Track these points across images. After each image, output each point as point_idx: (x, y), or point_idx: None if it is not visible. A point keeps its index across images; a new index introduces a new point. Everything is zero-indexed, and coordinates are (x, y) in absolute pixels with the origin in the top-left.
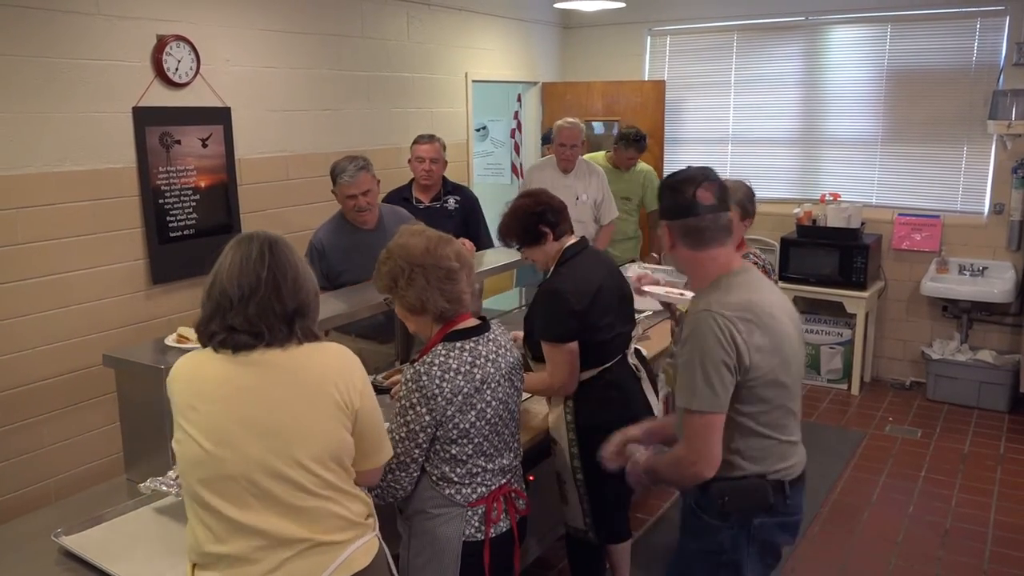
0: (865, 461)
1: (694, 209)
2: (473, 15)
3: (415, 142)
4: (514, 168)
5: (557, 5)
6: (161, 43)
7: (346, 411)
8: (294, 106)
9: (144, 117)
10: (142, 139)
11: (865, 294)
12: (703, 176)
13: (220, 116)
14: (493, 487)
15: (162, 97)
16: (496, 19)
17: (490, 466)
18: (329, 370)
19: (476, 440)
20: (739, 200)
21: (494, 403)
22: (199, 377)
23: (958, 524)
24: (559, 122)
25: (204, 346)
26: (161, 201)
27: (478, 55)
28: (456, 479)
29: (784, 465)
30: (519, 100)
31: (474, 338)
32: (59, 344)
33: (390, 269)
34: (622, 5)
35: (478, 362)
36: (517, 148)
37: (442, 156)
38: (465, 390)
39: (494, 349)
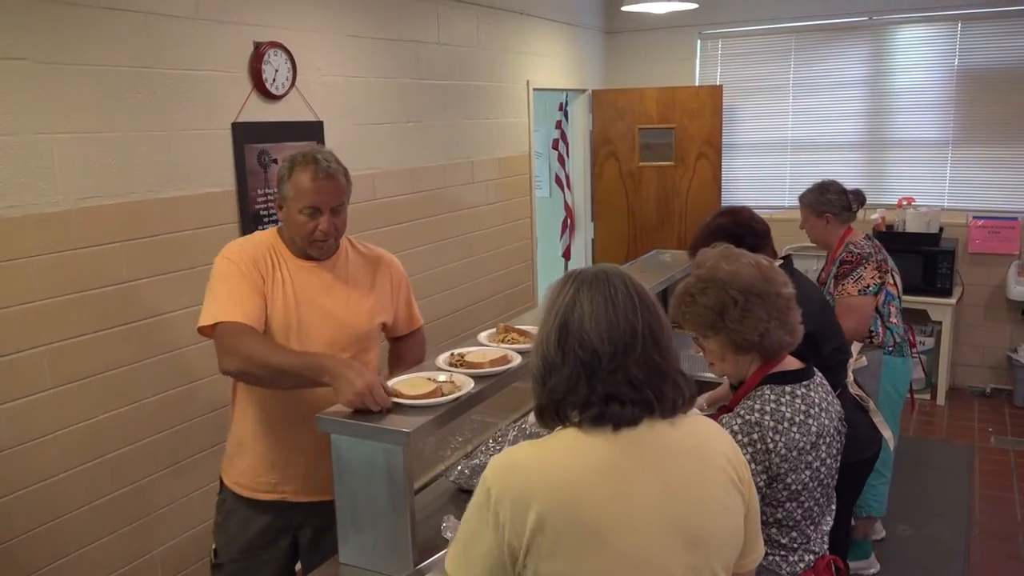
0: (989, 477)
1: None
2: (532, 19)
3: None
4: (558, 180)
5: (626, 8)
6: (259, 51)
7: (741, 491)
8: (379, 119)
9: (243, 134)
10: (241, 158)
11: (951, 301)
12: None
13: (314, 131)
14: (819, 555)
15: (259, 111)
16: (550, 23)
17: (815, 534)
18: (711, 436)
19: (807, 504)
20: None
21: (828, 460)
22: (581, 484)
23: None
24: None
25: (552, 426)
26: (259, 227)
27: (536, 61)
28: (785, 542)
29: None
30: (561, 108)
31: (804, 382)
32: (165, 394)
33: (716, 302)
34: (694, 6)
35: (812, 411)
36: (562, 160)
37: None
38: (800, 444)
39: (824, 395)
